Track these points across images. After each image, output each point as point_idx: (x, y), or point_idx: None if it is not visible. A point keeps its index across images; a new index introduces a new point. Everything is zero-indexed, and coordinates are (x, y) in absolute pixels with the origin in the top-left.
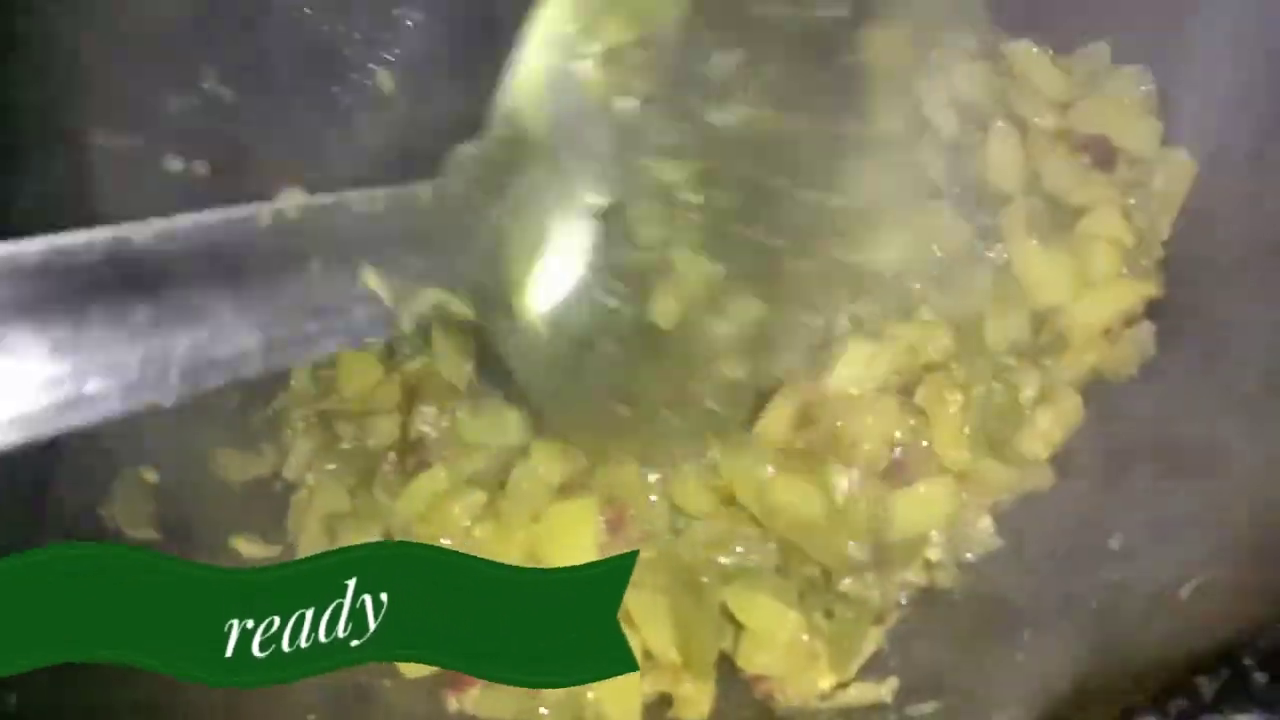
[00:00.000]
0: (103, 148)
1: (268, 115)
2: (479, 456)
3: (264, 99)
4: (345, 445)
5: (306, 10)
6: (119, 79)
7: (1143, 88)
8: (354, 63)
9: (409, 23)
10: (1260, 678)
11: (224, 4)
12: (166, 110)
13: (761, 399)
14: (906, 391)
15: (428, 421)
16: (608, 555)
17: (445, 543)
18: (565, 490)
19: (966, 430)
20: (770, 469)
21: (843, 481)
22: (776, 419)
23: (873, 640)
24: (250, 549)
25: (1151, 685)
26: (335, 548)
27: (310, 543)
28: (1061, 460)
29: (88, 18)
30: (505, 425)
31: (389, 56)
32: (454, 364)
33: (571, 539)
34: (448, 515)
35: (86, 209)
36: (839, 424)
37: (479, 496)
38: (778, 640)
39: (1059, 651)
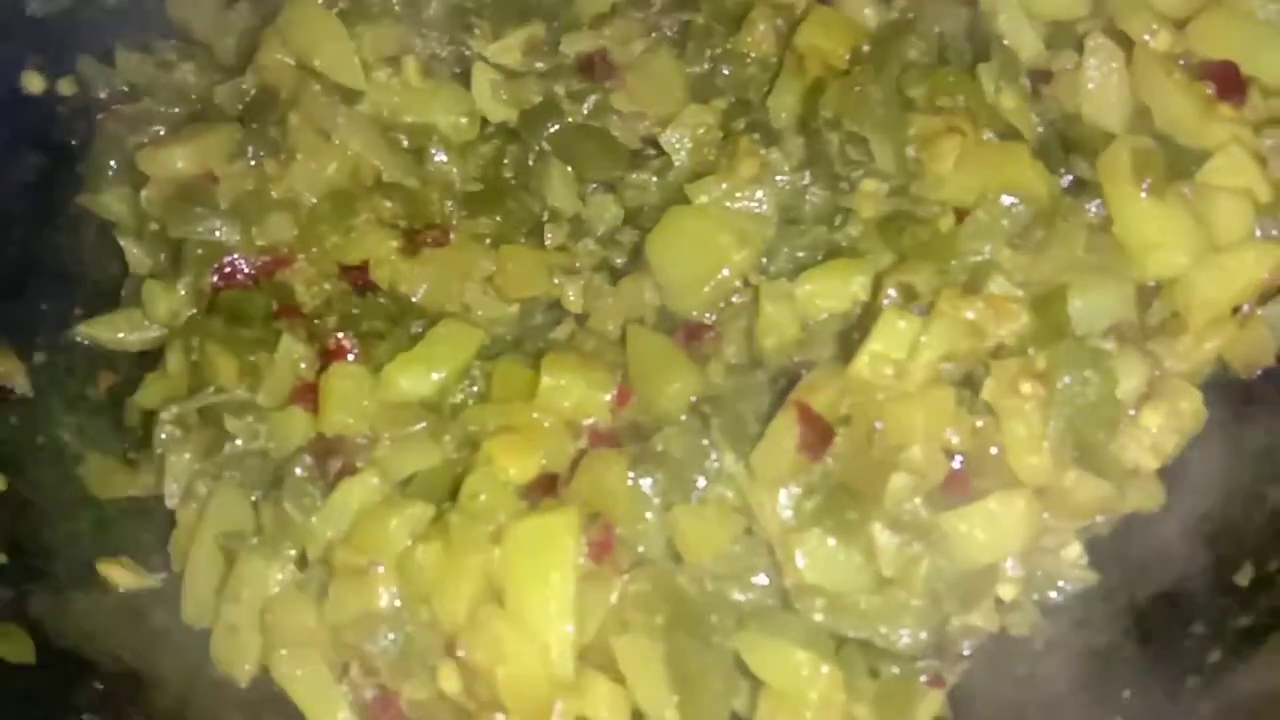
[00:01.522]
0: None
1: None
2: (422, 452)
3: None
4: (239, 445)
5: None
6: None
7: None
8: None
9: None
10: None
11: None
12: None
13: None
14: (970, 384)
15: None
16: (591, 587)
17: (379, 570)
18: (535, 501)
19: (1048, 433)
20: (790, 512)
21: (887, 539)
22: (782, 439)
23: (931, 705)
24: (124, 577)
25: None
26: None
27: (201, 570)
28: (1175, 473)
29: None
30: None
31: None
32: None
33: (544, 565)
34: (382, 534)
35: None
36: (878, 425)
37: (423, 510)
38: (806, 701)
39: (1172, 718)
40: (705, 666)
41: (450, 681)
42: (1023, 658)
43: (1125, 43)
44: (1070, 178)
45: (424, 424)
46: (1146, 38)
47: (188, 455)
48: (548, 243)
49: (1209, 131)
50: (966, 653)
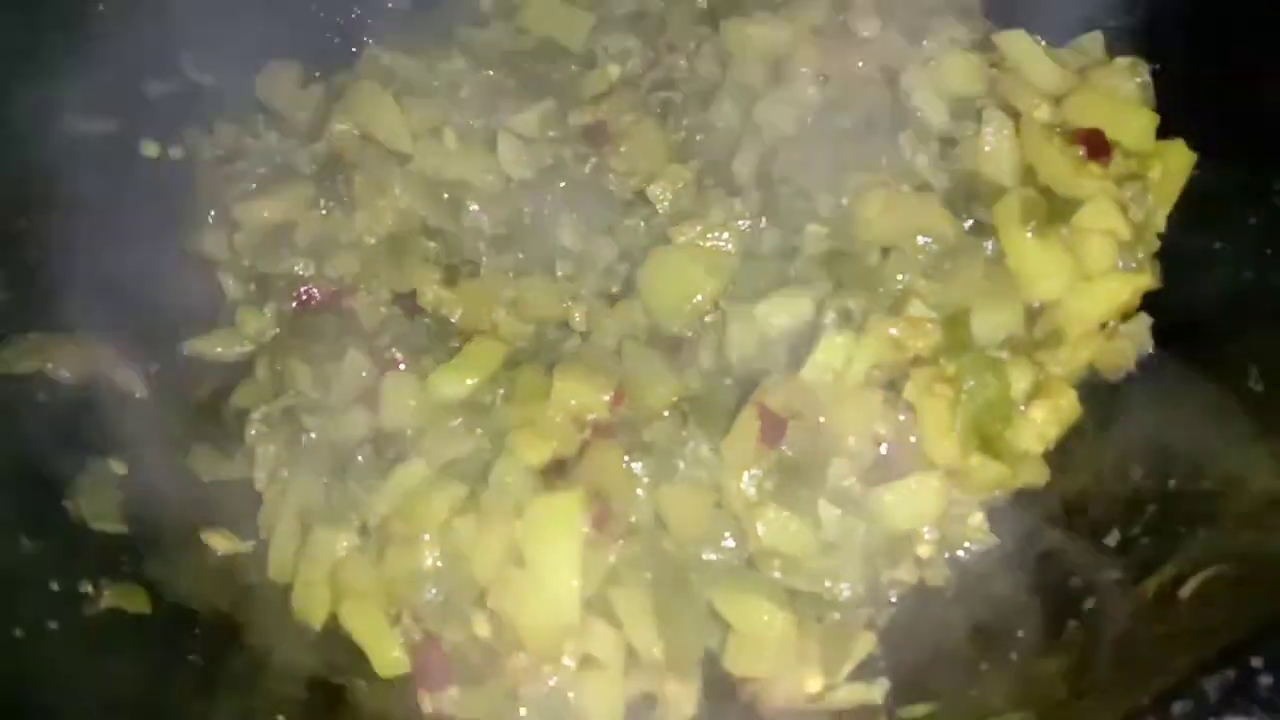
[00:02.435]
0: None
1: None
2: (459, 442)
3: None
4: (313, 437)
5: None
6: None
7: (1137, 79)
8: None
9: None
10: (1266, 680)
11: None
12: None
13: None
14: (894, 387)
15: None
16: (593, 550)
17: (425, 538)
18: (549, 482)
19: (956, 425)
20: (752, 490)
21: (830, 512)
22: (745, 432)
23: (865, 644)
24: (223, 543)
25: (1152, 688)
26: (309, 543)
27: (283, 538)
28: (1057, 456)
29: None
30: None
31: None
32: None
33: (555, 534)
34: (427, 509)
35: None
36: (821, 420)
37: (459, 489)
38: (767, 642)
39: (1055, 652)
40: (685, 613)
41: (481, 627)
42: (938, 604)
43: (1014, 114)
44: (971, 221)
45: (460, 420)
46: (1031, 110)
47: (273, 448)
48: (558, 275)
49: (1081, 185)
50: (893, 600)
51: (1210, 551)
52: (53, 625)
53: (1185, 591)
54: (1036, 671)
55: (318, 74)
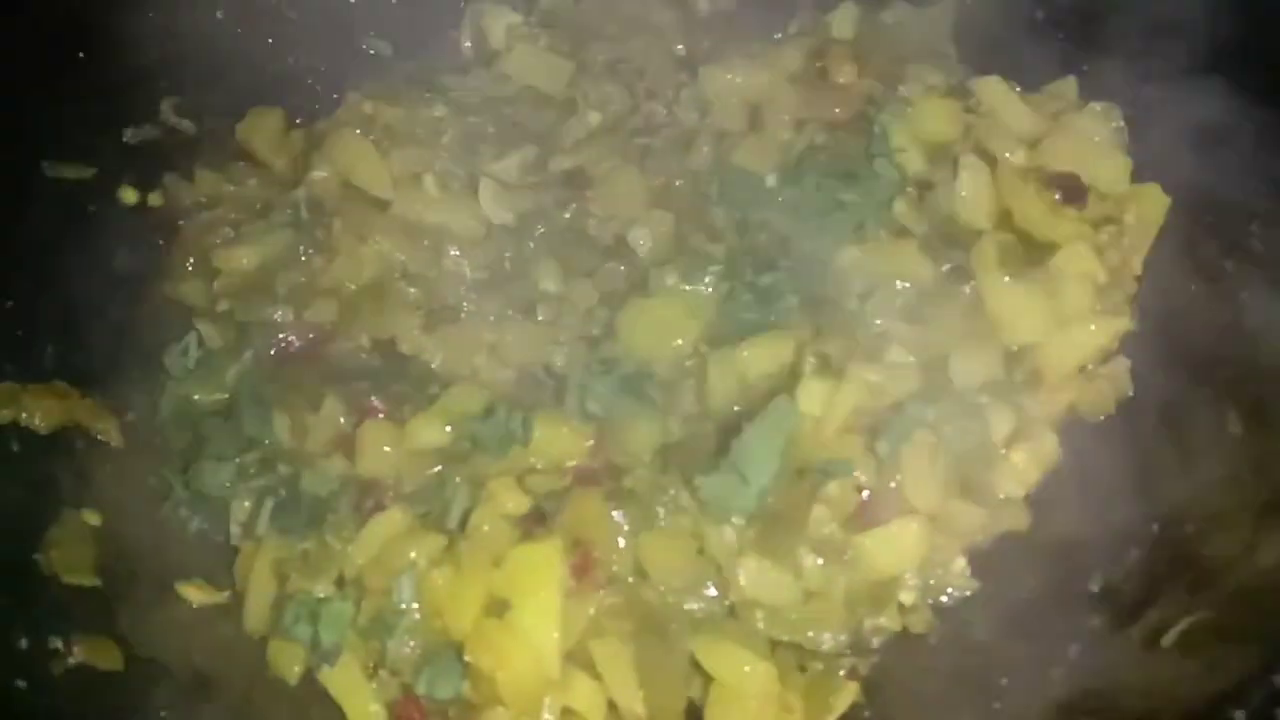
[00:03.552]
0: None
1: None
2: (437, 491)
3: None
4: (289, 490)
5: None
6: None
7: (1112, 124)
8: None
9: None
10: None
11: None
12: None
13: (725, 433)
14: (873, 432)
15: None
16: (574, 601)
17: (405, 584)
18: (528, 531)
19: (936, 470)
20: (733, 538)
21: (811, 561)
22: None
23: (848, 694)
24: (198, 595)
25: None
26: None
27: (259, 590)
28: (1038, 500)
29: None
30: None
31: None
32: None
33: (536, 585)
34: (404, 560)
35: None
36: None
37: (437, 540)
38: (749, 693)
39: (1038, 700)
40: (666, 665)
41: (459, 682)
42: (921, 651)
43: (990, 159)
44: (949, 265)
45: (439, 468)
46: (1007, 155)
47: (248, 501)
48: (539, 319)
49: (1058, 228)
50: (876, 647)
51: (1192, 597)
52: (20, 684)
53: (1168, 640)
54: None
55: (298, 121)
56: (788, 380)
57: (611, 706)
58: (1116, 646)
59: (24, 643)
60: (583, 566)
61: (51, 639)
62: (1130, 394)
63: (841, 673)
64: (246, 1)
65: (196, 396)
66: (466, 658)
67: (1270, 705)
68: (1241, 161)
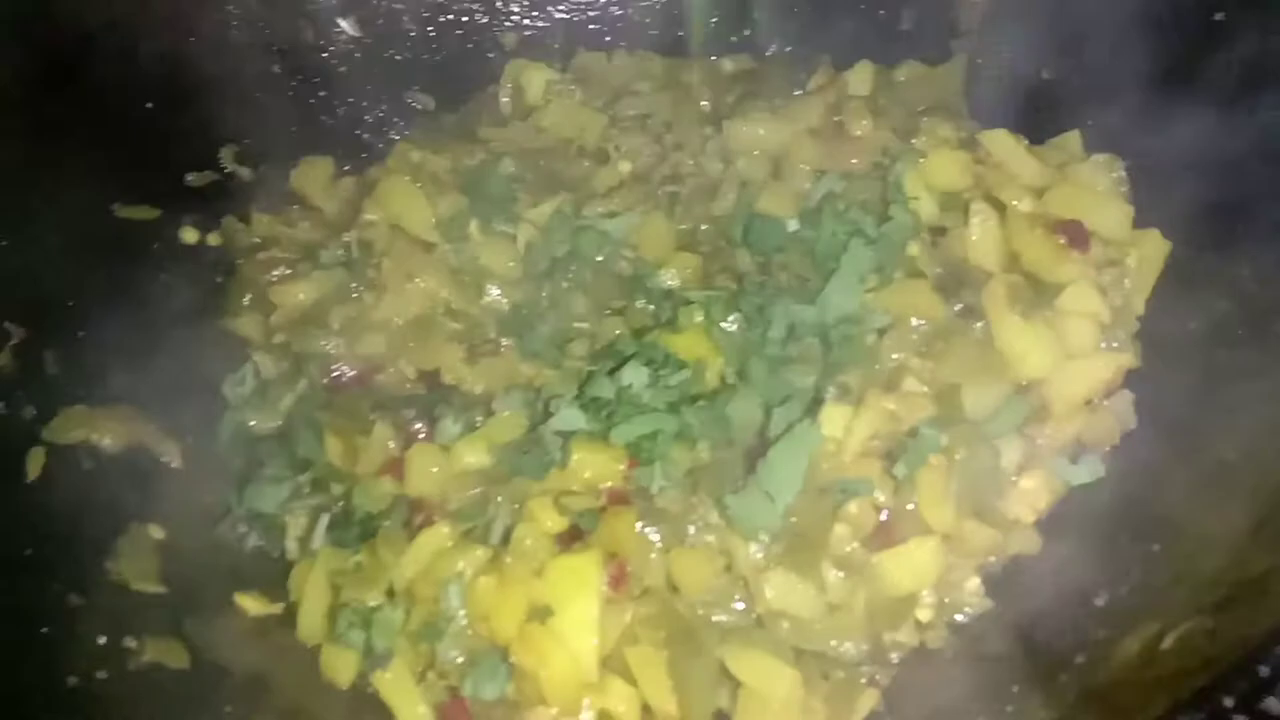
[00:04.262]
0: None
1: None
2: (481, 509)
3: None
4: (341, 507)
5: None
6: None
7: (1114, 174)
8: None
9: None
10: (1239, 718)
11: None
12: None
13: (751, 458)
14: (891, 457)
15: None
16: (610, 610)
17: (452, 593)
18: (566, 547)
19: (951, 493)
20: (760, 555)
21: (834, 575)
22: None
23: (869, 699)
24: (254, 606)
25: None
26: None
27: (313, 601)
28: (1048, 525)
29: None
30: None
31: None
32: None
33: (576, 593)
34: (451, 571)
35: None
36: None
37: (482, 553)
38: (775, 697)
39: (1047, 704)
40: (697, 671)
41: (504, 683)
42: (937, 664)
43: (999, 206)
44: (961, 305)
45: (481, 489)
46: (1015, 203)
47: (304, 518)
48: (571, 352)
49: (1063, 271)
50: (895, 661)
51: (1188, 606)
52: (101, 675)
53: (1166, 644)
54: None
55: (346, 168)
56: (810, 407)
57: (646, 709)
58: (1120, 653)
59: (102, 639)
60: (618, 578)
61: (125, 638)
62: (1133, 426)
63: (862, 680)
64: (300, 58)
65: (252, 422)
66: (512, 659)
67: (1257, 693)
68: (1233, 211)
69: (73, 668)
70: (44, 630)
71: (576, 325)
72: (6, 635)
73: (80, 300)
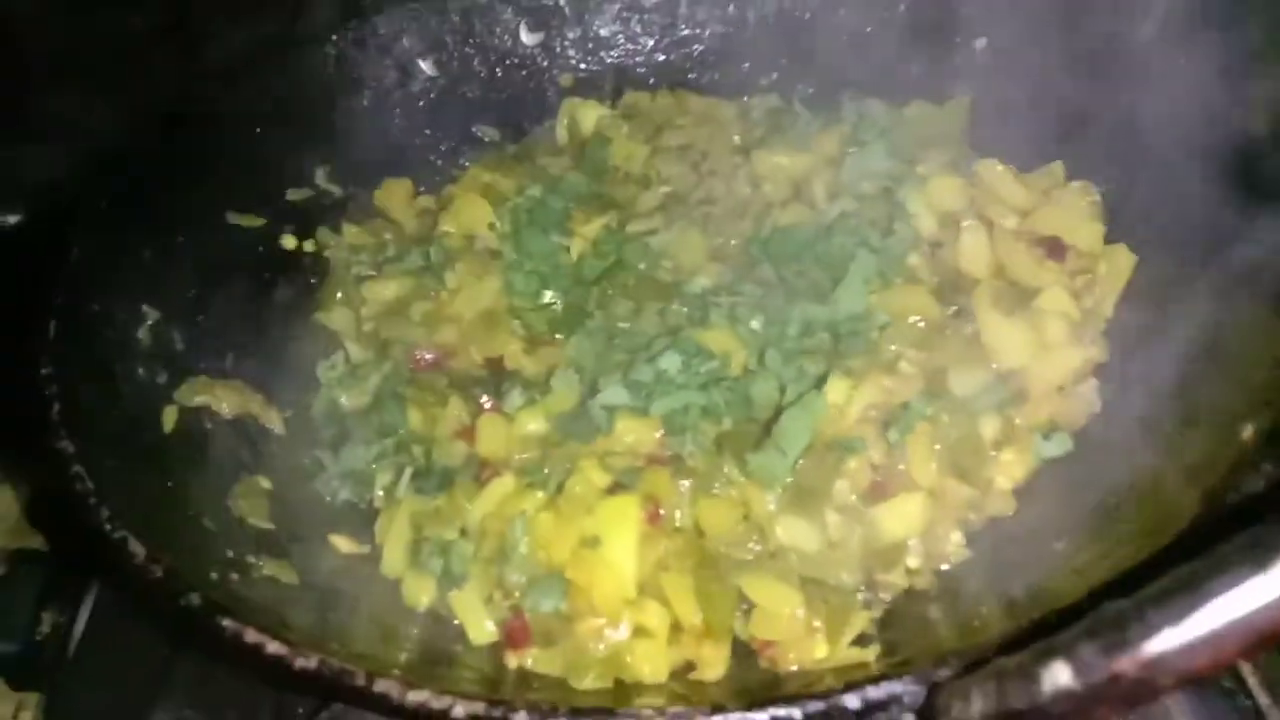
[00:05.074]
0: None
1: None
2: (540, 466)
3: None
4: (423, 463)
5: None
6: None
7: (1090, 198)
8: None
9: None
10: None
11: None
12: None
13: (767, 427)
14: (885, 424)
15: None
16: (647, 542)
17: (517, 526)
18: (611, 490)
19: (935, 454)
20: (772, 505)
21: (835, 520)
22: None
23: (861, 620)
24: (345, 545)
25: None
26: (420, 537)
27: (398, 537)
28: (1022, 491)
29: None
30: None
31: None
32: None
33: (619, 525)
34: (516, 510)
35: None
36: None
37: (541, 498)
38: (783, 613)
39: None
40: (719, 594)
41: (558, 600)
42: (922, 603)
43: (988, 224)
44: (955, 308)
45: (540, 452)
46: (1002, 221)
47: (389, 474)
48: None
49: (1042, 277)
50: (886, 599)
51: (1127, 544)
52: (234, 577)
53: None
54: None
55: (422, 189)
56: (818, 382)
57: (674, 628)
58: (1064, 578)
59: (230, 553)
60: (654, 516)
61: (248, 556)
62: (1098, 410)
63: (858, 607)
64: (385, 94)
65: (343, 400)
66: (567, 575)
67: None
68: (1191, 227)
69: (213, 568)
70: (185, 540)
71: (620, 325)
72: (165, 523)
73: (200, 291)
